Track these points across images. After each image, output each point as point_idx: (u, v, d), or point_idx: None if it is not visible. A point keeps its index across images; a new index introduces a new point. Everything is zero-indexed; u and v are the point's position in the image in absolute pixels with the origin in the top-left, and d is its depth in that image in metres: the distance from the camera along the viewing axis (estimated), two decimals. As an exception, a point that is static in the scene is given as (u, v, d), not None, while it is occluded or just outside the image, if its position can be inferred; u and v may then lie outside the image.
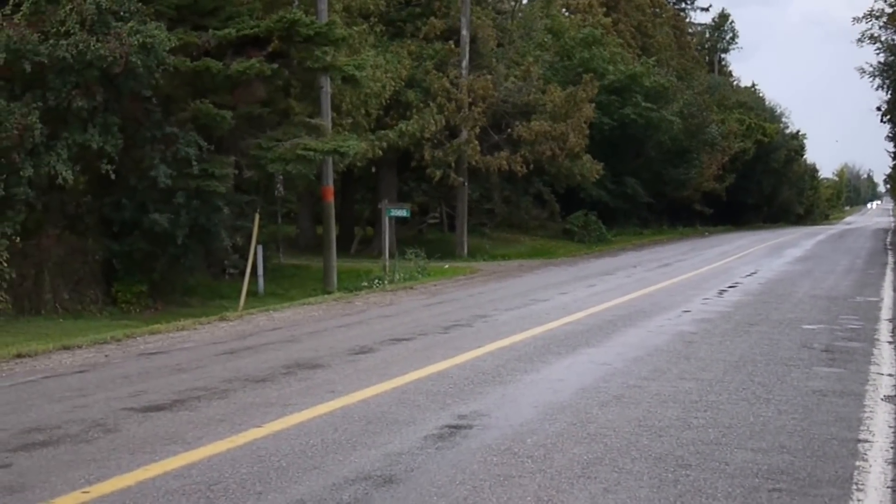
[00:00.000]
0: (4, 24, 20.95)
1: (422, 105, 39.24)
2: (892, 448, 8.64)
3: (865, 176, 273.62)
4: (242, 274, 25.68)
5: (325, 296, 25.45)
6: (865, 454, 8.41)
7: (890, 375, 12.36)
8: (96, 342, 16.13)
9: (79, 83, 21.58)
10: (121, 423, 9.69)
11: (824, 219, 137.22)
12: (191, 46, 24.31)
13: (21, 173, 20.71)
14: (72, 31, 21.26)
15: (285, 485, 7.44)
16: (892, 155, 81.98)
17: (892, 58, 52.60)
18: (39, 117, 20.87)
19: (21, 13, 21.36)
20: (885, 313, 19.63)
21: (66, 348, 15.47)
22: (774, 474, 7.73)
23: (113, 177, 22.46)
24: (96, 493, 7.27)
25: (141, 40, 21.77)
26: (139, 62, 21.78)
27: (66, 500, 7.13)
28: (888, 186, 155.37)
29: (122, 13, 22.38)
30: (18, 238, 21.18)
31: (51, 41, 21.13)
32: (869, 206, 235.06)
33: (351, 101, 33.11)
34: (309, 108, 29.13)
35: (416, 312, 20.62)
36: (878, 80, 55.15)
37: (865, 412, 10.09)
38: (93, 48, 21.12)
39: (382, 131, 37.15)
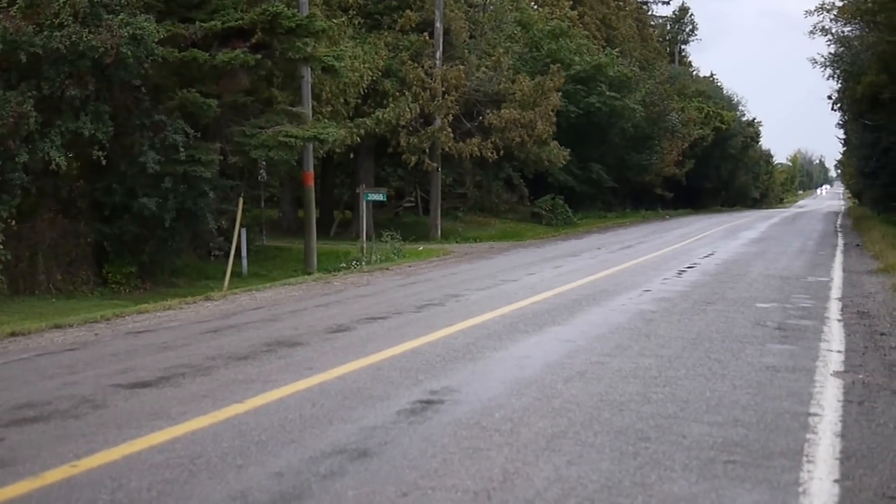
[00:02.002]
0: (1, 16, 20.79)
1: (398, 94, 39.16)
2: (840, 421, 8.66)
3: (817, 161, 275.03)
4: (227, 255, 25.67)
5: (306, 276, 25.39)
6: (815, 427, 8.42)
7: (839, 352, 12.39)
8: (87, 321, 16.04)
9: (72, 73, 21.44)
10: (109, 399, 9.62)
11: (779, 202, 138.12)
12: (178, 38, 24.15)
13: (17, 159, 20.60)
14: (65, 24, 21.13)
15: (264, 458, 7.41)
16: (843, 141, 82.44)
17: (842, 49, 52.61)
18: (34, 105, 20.75)
19: (17, 6, 21.22)
20: (835, 292, 19.70)
21: (58, 327, 15.38)
22: (729, 446, 7.74)
23: (104, 163, 22.38)
24: (84, 467, 7.21)
25: (131, 32, 21.64)
26: (129, 53, 21.65)
27: (54, 473, 7.06)
28: (839, 171, 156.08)
29: (113, 6, 22.23)
30: (14, 221, 21.11)
31: (45, 33, 20.98)
32: (818, 191, 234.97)
33: (330, 90, 33.01)
34: (290, 96, 29.02)
35: (392, 292, 20.57)
36: (828, 71, 55.21)
37: (816, 387, 10.11)
38: (85, 39, 20.98)
39: (360, 119, 37.04)
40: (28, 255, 22.16)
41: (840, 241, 39.56)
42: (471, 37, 46.66)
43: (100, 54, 21.22)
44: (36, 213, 22.48)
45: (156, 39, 22.37)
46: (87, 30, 21.20)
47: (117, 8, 22.26)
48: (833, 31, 51.35)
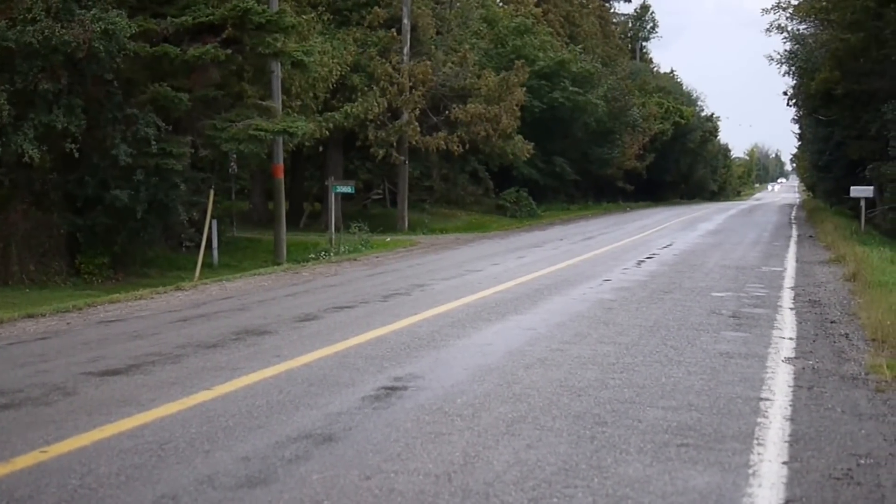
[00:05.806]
0: (-27, 12, 20.68)
1: (366, 89, 39.05)
2: (790, 406, 8.74)
3: (774, 155, 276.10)
4: (198, 246, 25.55)
5: (275, 267, 25.31)
6: (766, 412, 8.50)
7: (790, 339, 12.50)
8: (59, 311, 15.93)
9: (45, 67, 21.29)
10: (79, 386, 9.57)
11: (736, 195, 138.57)
12: (150, 33, 24.01)
13: (-10, 152, 20.50)
14: (38, 18, 20.97)
15: (232, 443, 7.40)
16: (798, 136, 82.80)
17: (798, 46, 52.81)
18: (7, 99, 20.59)
19: (-11, 2, 21.10)
20: (788, 282, 19.86)
21: (31, 316, 15.28)
22: (683, 430, 7.80)
23: (77, 155, 22.21)
24: (54, 453, 7.18)
25: (103, 27, 21.53)
26: (101, 47, 21.53)
27: (24, 459, 7.02)
28: (794, 165, 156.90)
29: (85, 1, 22.11)
30: (-13, 213, 20.99)
31: (18, 27, 20.82)
32: (770, 186, 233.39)
33: (300, 84, 32.86)
34: (261, 91, 28.88)
35: (359, 282, 20.55)
36: (784, 67, 55.38)
37: (767, 373, 10.19)
38: (58, 34, 20.83)
39: (329, 113, 36.93)
40: (1, 246, 22.03)
41: (794, 233, 39.84)
42: (438, 33, 46.64)
43: (72, 49, 21.09)
44: (9, 205, 22.32)
45: (128, 34, 22.23)
46: (59, 25, 21.06)
47: (89, 3, 22.14)
48: (789, 28, 51.62)
